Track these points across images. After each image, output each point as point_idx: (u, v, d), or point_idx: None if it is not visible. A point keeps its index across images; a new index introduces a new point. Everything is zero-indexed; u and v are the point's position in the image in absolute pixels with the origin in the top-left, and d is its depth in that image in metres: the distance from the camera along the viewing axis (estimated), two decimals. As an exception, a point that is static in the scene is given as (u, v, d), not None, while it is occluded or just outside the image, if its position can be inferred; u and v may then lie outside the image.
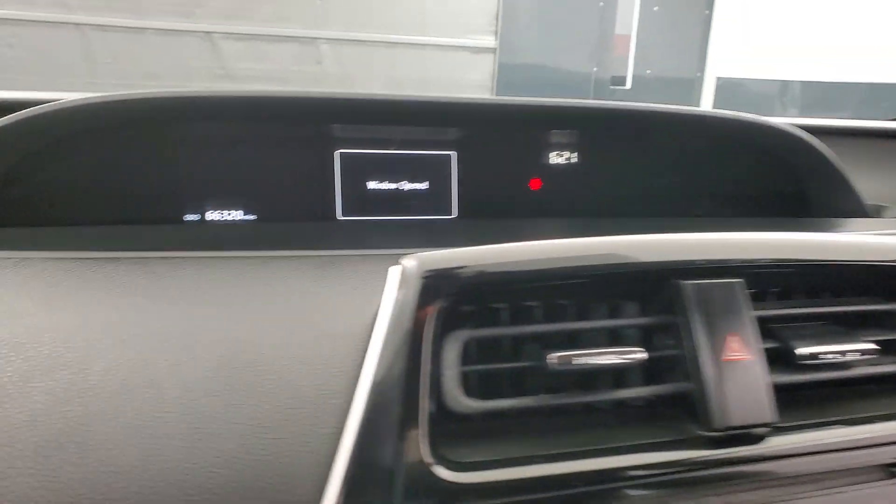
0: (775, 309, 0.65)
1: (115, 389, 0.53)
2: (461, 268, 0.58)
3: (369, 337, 0.57)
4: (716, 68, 5.09)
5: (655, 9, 5.01)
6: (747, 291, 0.61)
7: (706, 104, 5.02)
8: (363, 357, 0.56)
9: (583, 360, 0.57)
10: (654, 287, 0.62)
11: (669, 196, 1.08)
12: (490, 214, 1.02)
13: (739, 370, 0.58)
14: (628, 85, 5.01)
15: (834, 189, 1.07)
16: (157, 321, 0.58)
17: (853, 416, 0.63)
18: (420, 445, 0.52)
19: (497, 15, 4.47)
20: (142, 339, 0.56)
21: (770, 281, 0.69)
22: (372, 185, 0.98)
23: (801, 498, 0.61)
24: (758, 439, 0.58)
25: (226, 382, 0.54)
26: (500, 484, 0.54)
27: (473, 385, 0.58)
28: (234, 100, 0.85)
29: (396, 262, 0.62)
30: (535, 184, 1.04)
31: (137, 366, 0.54)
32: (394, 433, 0.53)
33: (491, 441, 0.57)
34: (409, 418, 0.53)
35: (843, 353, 0.63)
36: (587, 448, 0.56)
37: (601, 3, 4.94)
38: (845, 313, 0.68)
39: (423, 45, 4.40)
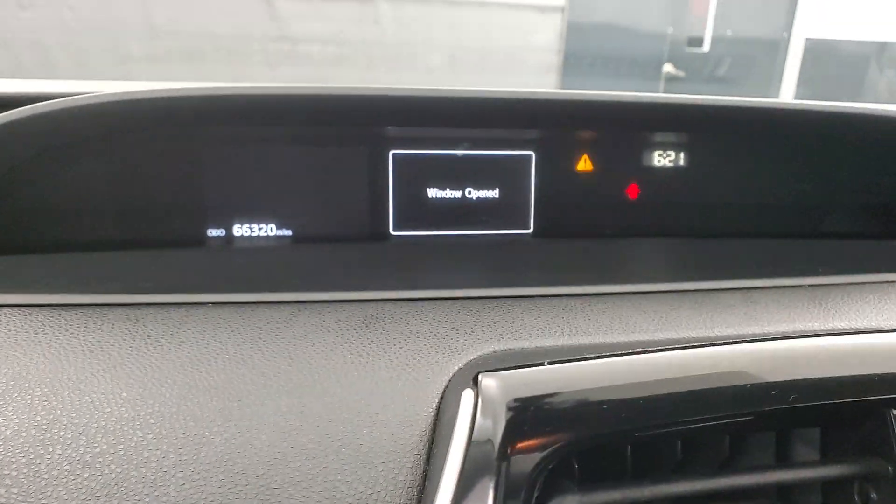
0: None
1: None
2: (565, 404, 0.43)
3: (426, 452, 0.42)
4: (805, 28, 4.70)
5: (739, -38, 4.66)
6: None
7: (792, 68, 4.67)
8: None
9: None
10: (849, 414, 0.45)
11: (797, 208, 0.89)
12: (575, 230, 0.85)
13: None
14: (706, 47, 4.69)
15: None
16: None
17: None
18: None
19: (565, -29, 4.23)
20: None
21: None
22: (431, 192, 0.82)
23: None
24: None
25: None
26: None
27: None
28: (270, 99, 0.69)
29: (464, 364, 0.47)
30: (632, 191, 0.86)
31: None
32: None
33: None
34: None
35: None
36: None
37: (679, -43, 4.62)
38: None
39: (487, 4, 4.19)
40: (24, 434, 0.42)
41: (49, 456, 0.41)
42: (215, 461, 0.42)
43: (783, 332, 0.47)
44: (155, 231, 0.73)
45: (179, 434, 0.43)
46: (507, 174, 0.84)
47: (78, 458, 0.41)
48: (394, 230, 0.81)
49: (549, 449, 0.41)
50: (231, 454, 0.42)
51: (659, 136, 0.85)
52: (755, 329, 0.58)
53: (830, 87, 4.78)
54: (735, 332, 0.58)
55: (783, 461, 0.53)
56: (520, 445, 0.41)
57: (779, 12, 4.75)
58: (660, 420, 0.43)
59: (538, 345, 0.54)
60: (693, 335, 0.57)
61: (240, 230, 0.77)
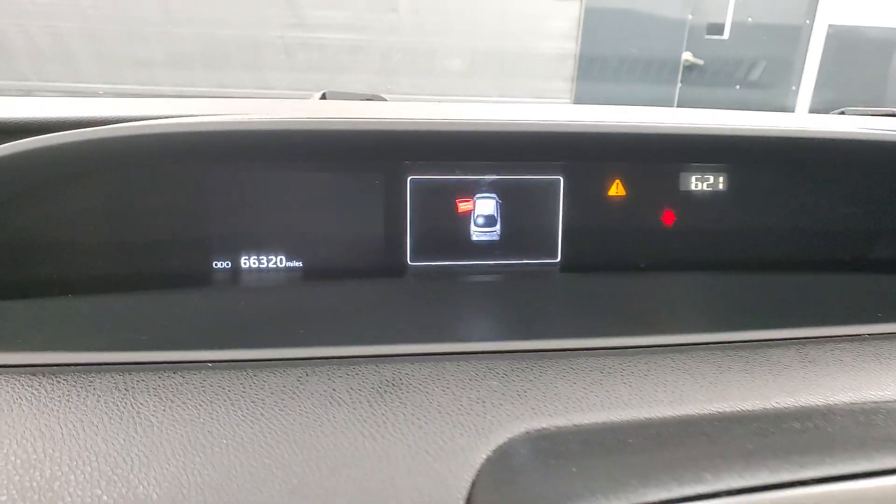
0: None
1: None
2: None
3: None
4: (828, 14, 4.57)
5: (761, -54, 4.53)
6: None
7: (814, 55, 4.55)
8: None
9: None
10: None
11: (847, 237, 0.82)
12: (605, 262, 0.78)
13: None
14: (726, 34, 4.57)
15: None
16: None
17: None
18: None
19: (584, -44, 4.14)
20: None
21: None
22: (451, 220, 0.76)
23: None
24: None
25: None
26: None
27: None
28: (282, 133, 0.62)
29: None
30: (667, 217, 0.79)
31: None
32: None
33: None
34: None
35: None
36: None
37: (700, -59, 4.49)
38: None
39: (504, -9, 4.11)
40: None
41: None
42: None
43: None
44: (152, 269, 0.67)
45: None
46: (533, 199, 0.77)
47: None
48: (411, 261, 0.76)
49: None
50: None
51: (696, 163, 0.78)
52: (817, 399, 0.52)
53: (854, 75, 4.66)
54: (795, 403, 0.51)
55: None
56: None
57: (802, -2, 4.63)
58: None
59: (575, 421, 0.48)
60: (748, 407, 0.51)
61: (246, 264, 0.71)
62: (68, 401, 0.47)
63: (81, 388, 0.49)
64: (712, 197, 0.80)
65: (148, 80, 3.75)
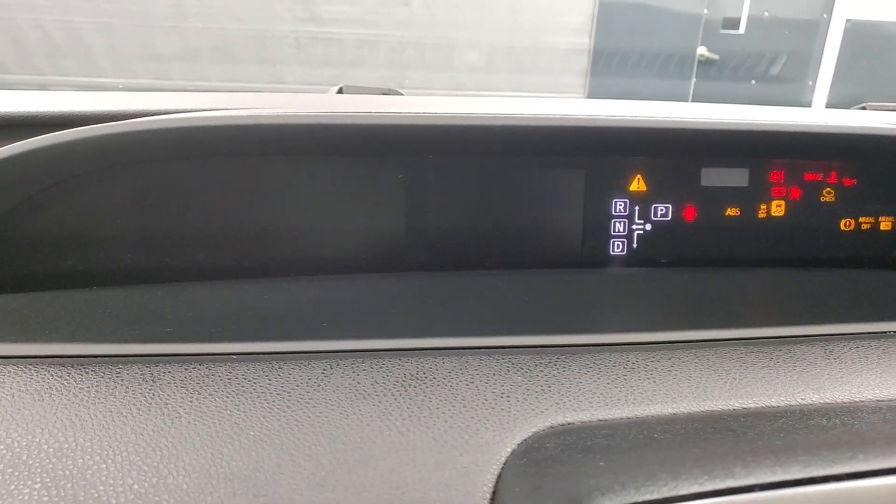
0: None
1: None
2: None
3: None
4: (846, 8, 4.52)
5: (778, -60, 4.49)
6: None
7: (831, 50, 4.51)
8: None
9: None
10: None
11: (869, 231, 0.81)
12: (626, 258, 0.78)
13: None
14: (742, 29, 4.54)
15: None
16: None
17: None
18: None
19: (599, -51, 4.12)
20: None
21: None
22: (475, 216, 0.76)
23: None
24: None
25: None
26: None
27: None
28: (302, 128, 0.62)
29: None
30: (688, 213, 0.79)
31: None
32: None
33: None
34: None
35: None
36: None
37: (715, -65, 4.46)
38: None
39: (518, -19, 4.09)
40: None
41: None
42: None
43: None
44: (179, 262, 0.68)
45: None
46: (551, 194, 0.77)
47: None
48: (435, 258, 0.75)
49: None
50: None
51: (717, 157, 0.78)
52: (842, 395, 0.52)
53: (872, 70, 4.61)
54: (820, 400, 0.51)
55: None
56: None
57: (819, -8, 4.59)
58: None
59: (599, 416, 0.48)
60: (773, 403, 0.50)
61: (272, 257, 0.71)
62: (97, 391, 0.48)
63: (110, 379, 0.49)
64: (734, 193, 0.80)
65: (161, 74, 3.77)
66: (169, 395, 0.48)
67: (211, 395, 0.48)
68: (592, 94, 4.22)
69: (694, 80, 4.52)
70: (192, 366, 0.52)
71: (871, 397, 0.52)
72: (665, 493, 0.33)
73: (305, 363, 0.53)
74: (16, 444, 0.42)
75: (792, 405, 0.50)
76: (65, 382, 0.49)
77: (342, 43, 4.01)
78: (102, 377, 0.49)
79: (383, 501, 0.40)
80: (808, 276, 0.78)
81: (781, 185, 0.80)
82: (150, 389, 0.48)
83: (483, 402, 0.49)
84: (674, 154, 0.76)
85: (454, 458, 0.44)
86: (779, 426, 0.45)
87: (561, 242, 0.77)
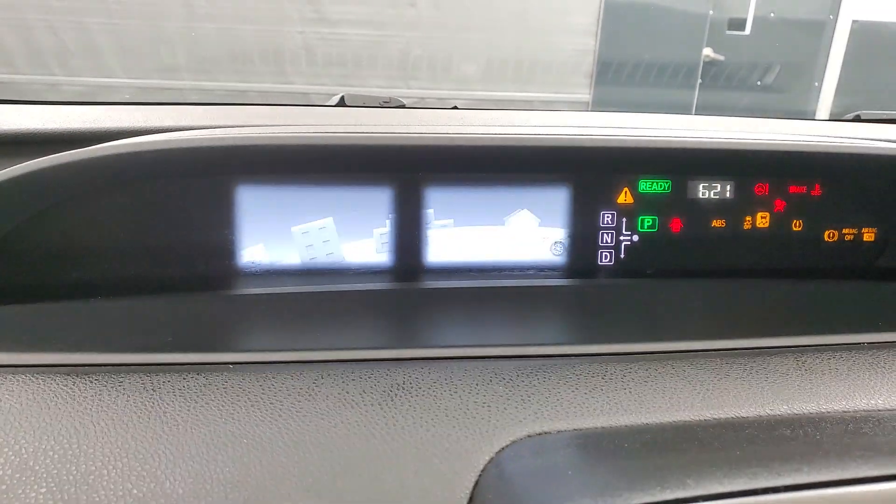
0: None
1: None
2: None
3: None
4: (853, 8, 4.51)
5: (783, -60, 4.49)
6: None
7: (838, 51, 4.51)
8: None
9: None
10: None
11: (849, 245, 0.84)
12: (611, 269, 0.80)
13: None
14: (747, 30, 4.53)
15: None
16: None
17: None
18: None
19: (604, -50, 4.13)
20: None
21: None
22: (461, 228, 0.78)
23: None
24: None
25: None
26: None
27: None
28: (297, 147, 0.65)
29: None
30: (675, 225, 0.81)
31: None
32: None
33: None
34: None
35: None
36: None
37: (720, -64, 4.45)
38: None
39: (524, -14, 4.11)
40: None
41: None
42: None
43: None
44: (179, 274, 0.71)
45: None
46: (539, 207, 0.80)
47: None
48: (424, 268, 0.78)
49: None
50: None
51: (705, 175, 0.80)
52: (810, 407, 0.54)
53: (880, 71, 4.60)
54: (789, 410, 0.54)
55: None
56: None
57: (825, -7, 4.58)
58: None
59: (575, 426, 0.51)
60: (743, 414, 0.53)
61: (268, 268, 0.74)
62: (100, 400, 0.51)
63: (112, 387, 0.52)
64: (719, 205, 0.82)
65: (170, 75, 3.81)
66: (168, 404, 0.51)
67: (207, 403, 0.51)
68: (597, 94, 4.23)
69: (699, 80, 4.52)
70: (190, 375, 0.54)
71: (837, 408, 0.54)
72: (620, 502, 0.36)
73: (298, 373, 0.56)
74: (23, 451, 0.45)
75: (761, 416, 0.53)
76: (70, 391, 0.51)
77: (350, 44, 4.04)
78: (105, 386, 0.52)
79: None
80: (790, 287, 0.80)
81: (766, 197, 0.83)
82: (150, 398, 0.51)
83: (465, 412, 0.52)
84: (659, 170, 0.79)
85: (434, 465, 0.46)
86: (744, 437, 0.48)
87: (544, 254, 0.80)
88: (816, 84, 4.59)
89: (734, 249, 0.83)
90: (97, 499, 0.42)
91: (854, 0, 4.50)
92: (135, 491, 0.43)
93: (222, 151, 0.62)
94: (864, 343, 0.65)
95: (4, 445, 0.45)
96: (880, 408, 0.54)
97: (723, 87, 4.55)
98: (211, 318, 0.66)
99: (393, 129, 0.69)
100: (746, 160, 0.75)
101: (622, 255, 0.81)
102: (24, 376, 0.53)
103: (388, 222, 0.76)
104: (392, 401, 0.52)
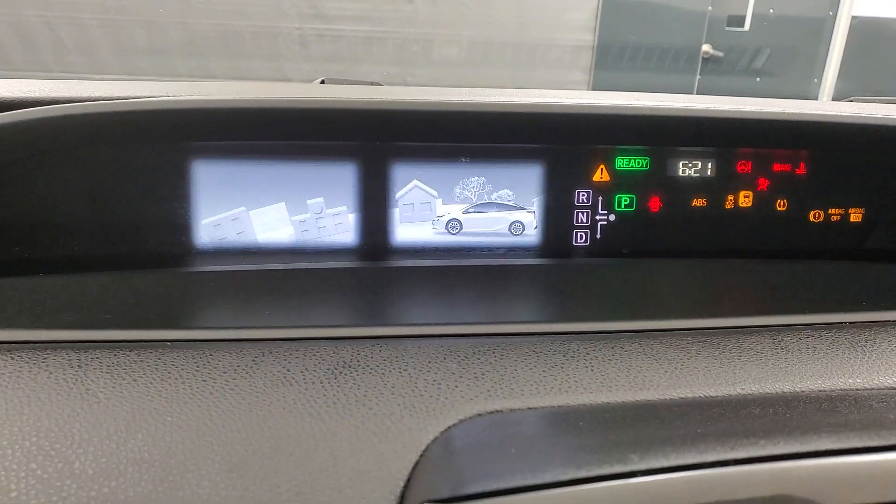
0: None
1: None
2: None
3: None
4: (852, 5, 4.48)
5: (782, -65, 4.46)
6: None
7: (837, 48, 4.47)
8: None
9: None
10: None
11: (834, 224, 0.80)
12: (586, 249, 0.77)
13: None
14: (746, 26, 4.50)
15: None
16: None
17: None
18: None
19: (602, -56, 4.11)
20: None
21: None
22: (429, 203, 0.75)
23: None
24: None
25: None
26: None
27: None
28: (256, 111, 0.62)
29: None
30: (654, 204, 0.78)
31: None
32: None
33: None
34: None
35: None
36: None
37: (719, -70, 4.42)
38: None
39: (522, -19, 4.08)
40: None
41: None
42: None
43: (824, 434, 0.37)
44: (121, 249, 0.67)
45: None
46: (513, 184, 0.76)
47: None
48: (387, 245, 0.75)
49: None
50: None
51: (685, 147, 0.77)
52: (785, 386, 0.51)
53: (879, 68, 4.57)
54: (761, 390, 0.50)
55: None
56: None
57: (825, -11, 4.54)
58: None
59: (530, 404, 0.47)
60: (712, 393, 0.49)
61: (215, 245, 0.71)
62: (18, 377, 0.47)
63: (34, 364, 0.49)
64: (700, 183, 0.78)
65: (166, 71, 3.78)
66: (92, 381, 0.47)
67: (135, 380, 0.48)
68: (596, 90, 4.20)
69: (698, 77, 4.49)
70: (122, 352, 0.51)
71: (812, 388, 0.51)
72: (552, 478, 0.32)
73: (239, 350, 0.52)
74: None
75: (731, 395, 0.49)
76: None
77: (347, 39, 4.01)
78: (27, 363, 0.49)
79: (292, 487, 0.39)
80: (772, 268, 0.77)
81: (749, 175, 0.79)
82: (73, 375, 0.48)
83: (413, 390, 0.48)
84: (636, 141, 0.75)
85: (372, 445, 0.43)
86: (709, 415, 0.44)
87: (518, 229, 0.76)
88: (816, 80, 4.56)
89: (715, 230, 0.79)
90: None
91: (854, -4, 4.47)
92: (39, 471, 0.39)
93: (144, 117, 0.59)
94: (845, 322, 0.61)
95: None
96: (858, 387, 0.51)
97: (721, 84, 4.52)
98: (155, 295, 0.62)
99: (364, 97, 0.65)
100: (727, 130, 0.71)
101: (598, 235, 0.78)
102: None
103: (349, 199, 0.73)
104: (336, 379, 0.49)
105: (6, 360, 0.49)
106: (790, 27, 4.63)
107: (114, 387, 0.47)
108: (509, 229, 0.76)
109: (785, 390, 0.50)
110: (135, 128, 0.61)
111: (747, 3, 4.49)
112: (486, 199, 0.75)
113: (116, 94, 0.72)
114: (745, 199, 0.80)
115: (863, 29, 4.51)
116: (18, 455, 0.40)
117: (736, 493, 0.33)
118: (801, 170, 0.80)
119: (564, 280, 0.72)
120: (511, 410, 0.46)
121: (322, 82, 1.19)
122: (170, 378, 0.48)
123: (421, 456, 0.42)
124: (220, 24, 3.84)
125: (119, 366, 0.49)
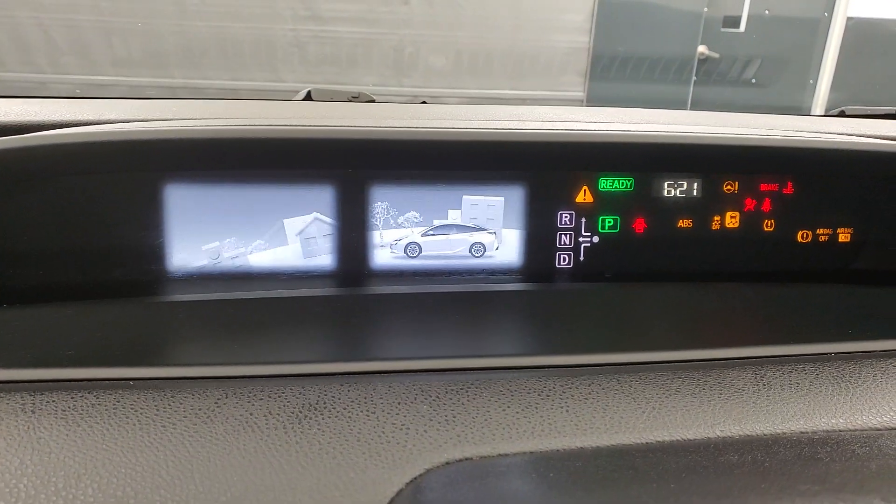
0: None
1: None
2: None
3: None
4: (848, 6, 4.47)
5: (778, -64, 4.45)
6: None
7: (833, 48, 4.46)
8: None
9: None
10: None
11: (819, 247, 0.78)
12: (568, 273, 0.75)
13: None
14: (742, 27, 4.50)
15: None
16: None
17: None
18: None
19: (597, -55, 4.10)
20: None
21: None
22: (406, 229, 0.73)
23: None
24: None
25: None
26: None
27: None
28: (231, 141, 0.60)
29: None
30: (638, 226, 0.76)
31: None
32: None
33: None
34: None
35: None
36: None
37: (714, -68, 4.42)
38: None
39: (518, -17, 4.07)
40: None
41: None
42: None
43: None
44: (85, 280, 0.65)
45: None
46: (493, 208, 0.75)
47: None
48: (364, 271, 0.73)
49: None
50: None
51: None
52: (766, 427, 0.49)
53: (875, 69, 4.56)
54: (741, 432, 0.48)
55: None
56: None
57: (821, -11, 4.54)
58: None
59: (501, 450, 0.45)
60: (689, 436, 0.48)
61: (184, 276, 0.69)
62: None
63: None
64: (685, 204, 0.77)
65: (161, 73, 3.76)
66: (45, 428, 0.45)
67: (91, 427, 0.46)
68: (592, 92, 4.19)
69: (694, 78, 4.48)
70: (79, 394, 0.49)
71: (794, 429, 0.49)
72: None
73: (202, 391, 0.50)
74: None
75: (710, 438, 0.48)
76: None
77: (342, 42, 4.00)
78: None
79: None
80: (759, 291, 0.75)
81: (735, 195, 0.78)
82: (26, 422, 0.46)
83: (379, 436, 0.46)
84: (618, 168, 0.73)
85: (335, 499, 0.41)
86: (685, 464, 0.43)
87: (497, 254, 0.75)
88: (812, 81, 4.55)
89: (702, 251, 0.78)
90: None
91: (849, -3, 4.46)
92: None
93: (112, 147, 0.57)
94: (830, 354, 0.59)
95: None
96: (841, 428, 0.49)
97: (718, 85, 4.52)
98: (121, 328, 0.60)
99: (332, 122, 0.63)
100: (709, 156, 0.69)
101: (581, 258, 0.76)
102: None
103: (323, 224, 0.71)
104: (299, 424, 0.47)
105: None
106: (786, 28, 4.63)
107: (67, 435, 0.45)
108: (470, 251, 0.74)
109: (766, 432, 0.48)
110: (99, 159, 0.60)
111: (743, 4, 4.48)
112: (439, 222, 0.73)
113: (83, 119, 0.70)
114: (731, 220, 0.78)
115: (858, 30, 4.50)
116: (-38, 513, 0.38)
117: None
118: (789, 189, 0.78)
119: (545, 307, 0.71)
120: (481, 458, 0.45)
121: (308, 94, 1.16)
122: (127, 424, 0.46)
123: None
124: (216, 25, 3.83)
125: (75, 410, 0.47)
